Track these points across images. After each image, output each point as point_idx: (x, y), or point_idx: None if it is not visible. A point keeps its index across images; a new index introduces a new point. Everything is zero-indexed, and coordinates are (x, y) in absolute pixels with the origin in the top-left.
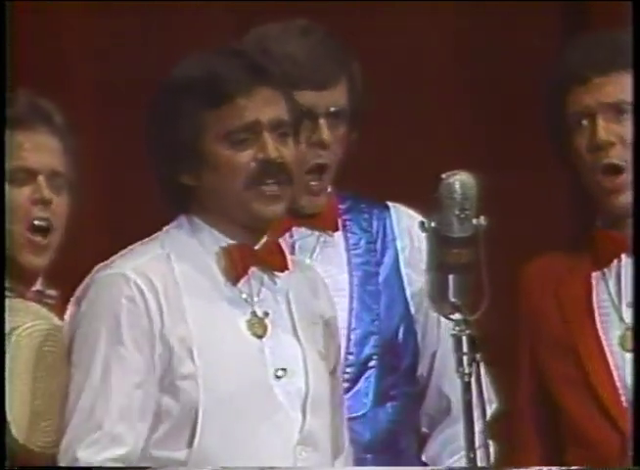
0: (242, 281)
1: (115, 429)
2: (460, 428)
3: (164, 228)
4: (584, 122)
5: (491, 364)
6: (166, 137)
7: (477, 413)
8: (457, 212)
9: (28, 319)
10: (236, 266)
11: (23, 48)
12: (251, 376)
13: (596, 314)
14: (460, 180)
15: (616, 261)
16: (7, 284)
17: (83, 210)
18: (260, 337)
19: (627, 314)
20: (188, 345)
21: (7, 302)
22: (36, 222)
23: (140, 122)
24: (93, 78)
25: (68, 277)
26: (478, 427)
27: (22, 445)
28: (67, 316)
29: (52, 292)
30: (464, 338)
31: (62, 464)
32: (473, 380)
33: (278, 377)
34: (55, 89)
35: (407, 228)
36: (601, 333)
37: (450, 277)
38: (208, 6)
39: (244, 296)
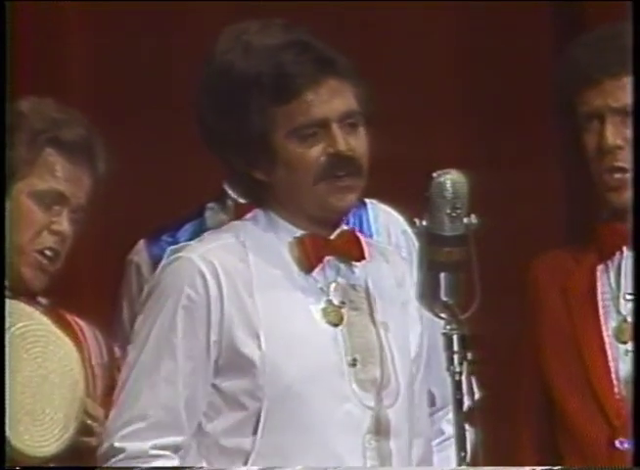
0: (316, 270)
1: (161, 419)
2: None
3: (243, 219)
4: (593, 124)
5: (488, 362)
6: (237, 133)
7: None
8: (448, 211)
9: (21, 320)
10: (309, 256)
11: (24, 48)
12: (323, 364)
13: (599, 306)
14: (451, 179)
15: (618, 254)
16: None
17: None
18: (336, 325)
19: (624, 306)
20: (255, 331)
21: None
22: (47, 252)
23: (139, 123)
24: (93, 79)
25: (59, 287)
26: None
27: (13, 443)
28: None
29: (43, 300)
30: (455, 337)
31: (100, 452)
32: (463, 378)
33: (352, 365)
34: (55, 89)
35: (385, 224)
36: (602, 325)
37: (441, 276)
38: (210, 6)
39: (319, 285)
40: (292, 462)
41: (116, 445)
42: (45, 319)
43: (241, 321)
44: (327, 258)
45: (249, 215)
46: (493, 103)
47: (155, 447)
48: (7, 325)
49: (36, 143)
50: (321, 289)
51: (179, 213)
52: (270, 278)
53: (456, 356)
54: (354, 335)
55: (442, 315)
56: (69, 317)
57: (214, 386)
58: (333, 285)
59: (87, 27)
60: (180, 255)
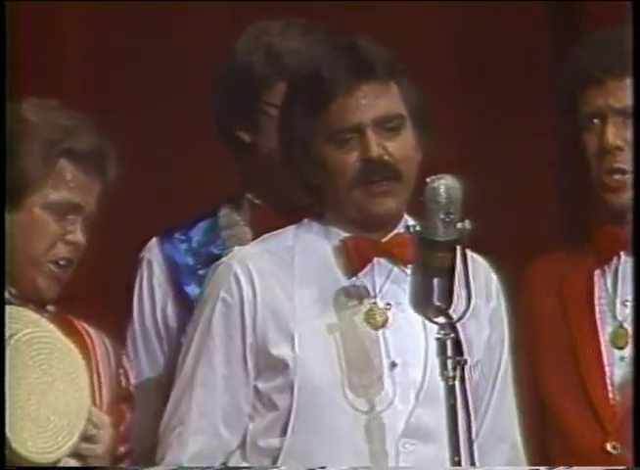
0: (364, 273)
1: (196, 424)
2: None
3: (299, 224)
4: (594, 123)
5: None
6: (290, 138)
7: (462, 415)
8: (442, 216)
9: (27, 327)
10: (352, 259)
11: (24, 48)
12: (358, 366)
13: (596, 311)
14: (445, 184)
15: (615, 259)
16: (11, 291)
17: None
18: (378, 328)
19: (621, 312)
20: (290, 333)
21: (7, 308)
22: (62, 262)
23: (140, 123)
24: (93, 79)
25: (67, 293)
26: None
27: (16, 450)
28: None
29: (50, 307)
30: (448, 341)
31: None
32: (457, 383)
33: (393, 368)
34: (55, 90)
35: None
36: (598, 330)
37: (435, 281)
38: (210, 6)
39: (365, 287)
40: (320, 464)
41: (162, 452)
42: (52, 326)
43: (275, 323)
44: (376, 260)
45: (305, 220)
46: (491, 106)
47: (194, 454)
48: (13, 332)
49: (51, 154)
50: (367, 291)
51: (192, 213)
52: (313, 281)
53: (450, 361)
54: (399, 337)
55: (436, 320)
56: (77, 324)
57: (255, 387)
58: (379, 287)
59: (87, 28)
60: (222, 260)
